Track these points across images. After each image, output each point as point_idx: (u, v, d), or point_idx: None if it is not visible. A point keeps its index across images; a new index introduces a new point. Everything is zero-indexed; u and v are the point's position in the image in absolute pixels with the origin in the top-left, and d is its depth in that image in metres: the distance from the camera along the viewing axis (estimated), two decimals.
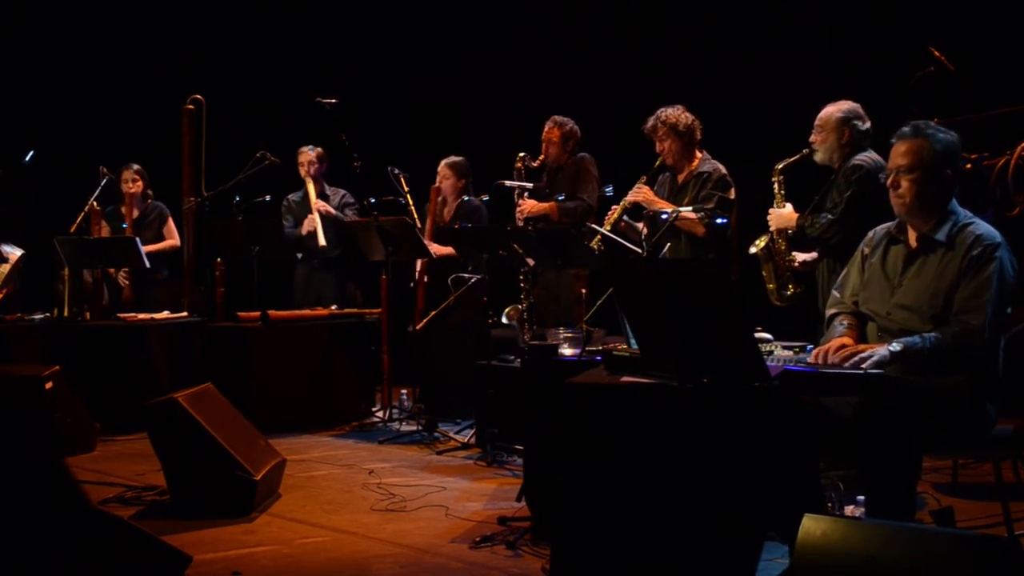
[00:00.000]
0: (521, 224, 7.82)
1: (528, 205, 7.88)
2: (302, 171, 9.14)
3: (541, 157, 8.05)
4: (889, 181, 4.38)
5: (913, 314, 4.27)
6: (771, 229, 6.14)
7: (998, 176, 6.31)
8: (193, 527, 5.30)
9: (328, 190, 9.25)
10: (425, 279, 8.37)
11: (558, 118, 8.06)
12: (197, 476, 5.60)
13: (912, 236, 4.40)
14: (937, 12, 7.54)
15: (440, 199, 8.60)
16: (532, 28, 10.14)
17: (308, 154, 9.13)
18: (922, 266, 4.33)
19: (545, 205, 7.92)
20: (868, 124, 5.93)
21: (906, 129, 4.39)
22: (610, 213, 7.02)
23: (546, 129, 8.06)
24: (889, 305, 4.35)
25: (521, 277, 7.37)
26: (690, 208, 6.62)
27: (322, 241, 8.85)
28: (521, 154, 8.00)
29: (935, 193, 4.31)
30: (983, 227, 4.29)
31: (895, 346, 4.07)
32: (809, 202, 6.04)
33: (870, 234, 4.61)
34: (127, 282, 9.23)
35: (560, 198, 7.82)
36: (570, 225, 7.66)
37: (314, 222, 8.91)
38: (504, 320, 7.03)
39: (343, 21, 11.20)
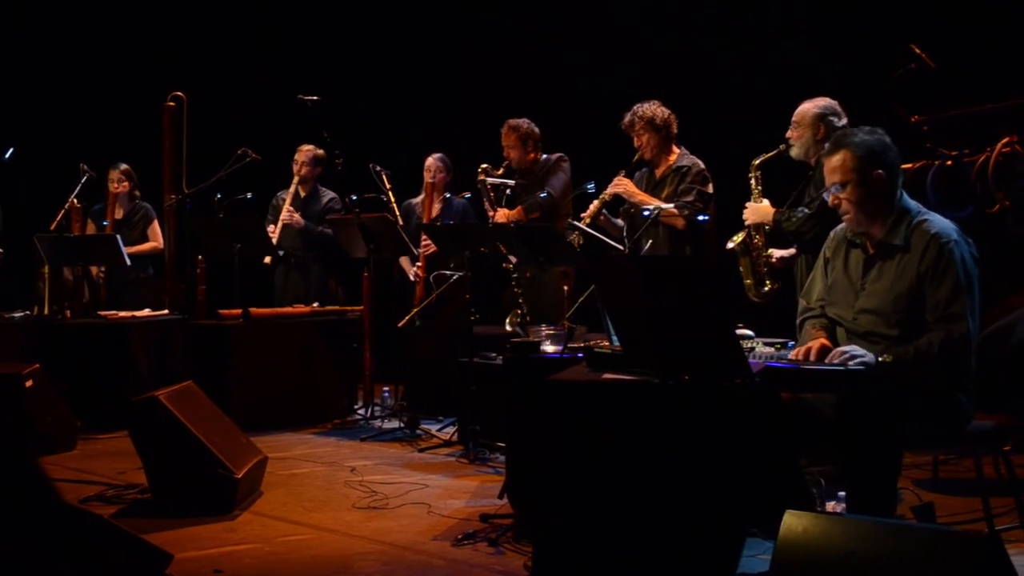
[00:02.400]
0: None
1: (500, 215, 7.86)
2: (295, 168, 9.12)
3: (504, 164, 8.02)
4: (831, 202, 4.38)
5: (878, 318, 4.28)
6: (747, 224, 6.15)
7: (978, 173, 6.33)
8: (174, 525, 5.29)
9: (319, 191, 9.22)
10: (422, 276, 8.34)
11: (512, 121, 8.02)
12: (178, 474, 5.59)
13: (869, 242, 4.40)
14: (917, 9, 7.55)
15: (435, 193, 8.61)
16: (510, 26, 10.13)
17: (305, 152, 9.09)
18: (881, 270, 4.33)
19: (513, 212, 7.90)
20: (844, 120, 5.96)
21: (828, 145, 4.42)
22: (591, 208, 7.02)
23: (503, 135, 8.03)
24: (854, 310, 4.36)
25: (513, 282, 7.36)
26: (671, 205, 6.64)
27: (266, 259, 8.94)
28: (483, 166, 7.96)
29: (874, 198, 4.30)
30: (937, 223, 4.28)
31: (885, 356, 4.06)
32: (787, 198, 6.06)
33: (831, 235, 4.62)
34: (102, 278, 9.16)
35: (542, 196, 7.80)
36: (547, 222, 7.64)
37: (275, 230, 8.93)
38: (508, 327, 7.03)
39: (325, 18, 11.18)
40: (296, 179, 9.11)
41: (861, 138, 4.31)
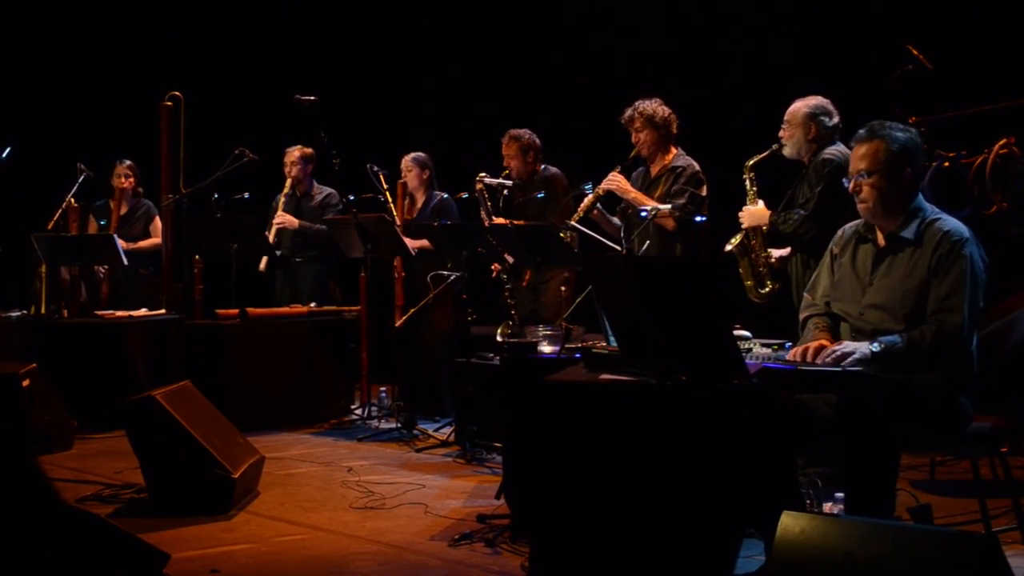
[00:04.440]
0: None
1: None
2: (285, 171, 9.12)
3: (504, 173, 8.01)
4: (851, 187, 4.38)
5: (885, 313, 4.28)
6: (744, 227, 6.15)
7: (976, 174, 6.33)
8: (171, 525, 5.29)
9: (315, 189, 9.21)
10: (403, 274, 8.36)
11: (513, 132, 8.01)
12: (175, 474, 5.59)
13: (880, 235, 4.41)
14: (915, 10, 7.55)
15: (407, 193, 8.60)
16: (507, 27, 10.13)
17: (291, 154, 9.10)
18: (891, 264, 4.33)
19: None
20: (836, 119, 5.96)
21: (862, 131, 4.39)
22: (585, 202, 7.01)
23: (504, 145, 8.02)
24: (861, 305, 4.36)
25: (507, 292, 7.36)
26: (668, 207, 6.63)
27: (261, 266, 8.92)
28: (481, 174, 7.93)
29: (897, 193, 4.31)
30: (950, 222, 4.30)
31: (875, 346, 4.07)
32: (780, 198, 6.06)
33: (839, 233, 4.62)
34: (103, 276, 9.16)
35: (540, 195, 7.80)
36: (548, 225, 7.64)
37: (270, 235, 8.91)
38: (499, 338, 7.04)
39: (322, 18, 11.17)
40: (289, 181, 9.11)
41: (897, 133, 4.31)
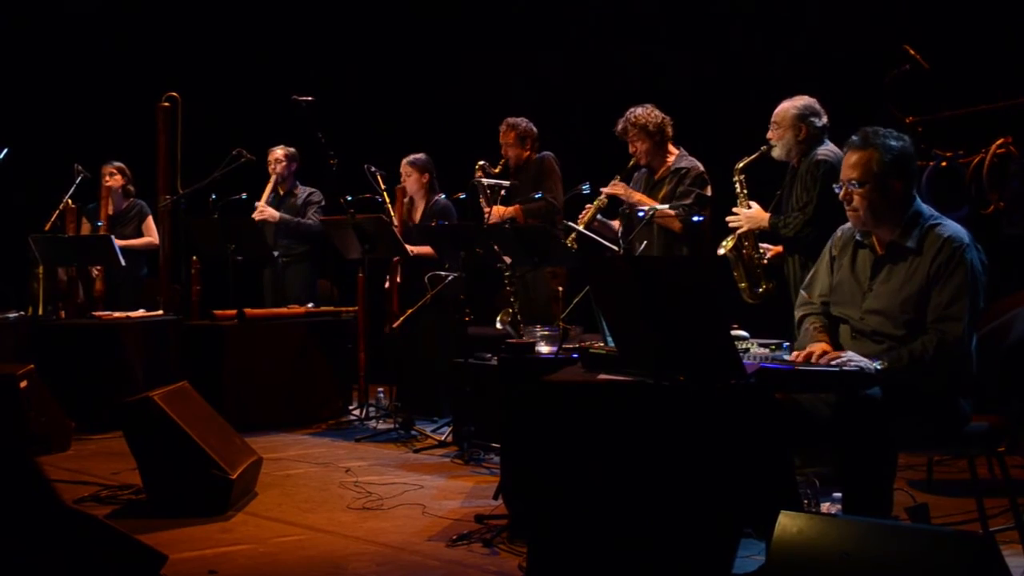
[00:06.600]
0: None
1: (494, 211, 7.85)
2: (269, 169, 9.12)
3: (502, 162, 8.04)
4: (842, 195, 4.36)
5: (886, 319, 4.27)
6: (742, 230, 6.11)
7: (973, 174, 6.34)
8: (169, 526, 5.28)
9: (297, 188, 9.21)
10: (399, 280, 8.35)
11: (510, 120, 8.06)
12: (173, 475, 5.59)
13: (878, 242, 4.39)
14: (911, 10, 7.56)
15: (407, 199, 8.59)
16: (506, 27, 10.14)
17: (275, 152, 9.12)
18: (891, 272, 4.31)
19: (510, 209, 7.90)
20: (824, 119, 5.95)
21: (855, 139, 4.35)
22: (584, 212, 7.01)
23: (501, 133, 8.06)
24: (861, 310, 4.35)
25: (507, 280, 7.36)
26: (667, 205, 6.63)
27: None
28: (480, 162, 7.97)
29: (888, 205, 4.28)
30: (950, 227, 4.28)
31: (879, 364, 4.05)
32: (768, 198, 6.04)
33: (837, 233, 4.59)
34: (98, 274, 9.14)
35: (536, 196, 7.82)
36: (543, 223, 7.64)
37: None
38: (498, 325, 7.02)
39: (319, 18, 11.18)
40: (273, 178, 9.11)
41: (891, 143, 4.27)
